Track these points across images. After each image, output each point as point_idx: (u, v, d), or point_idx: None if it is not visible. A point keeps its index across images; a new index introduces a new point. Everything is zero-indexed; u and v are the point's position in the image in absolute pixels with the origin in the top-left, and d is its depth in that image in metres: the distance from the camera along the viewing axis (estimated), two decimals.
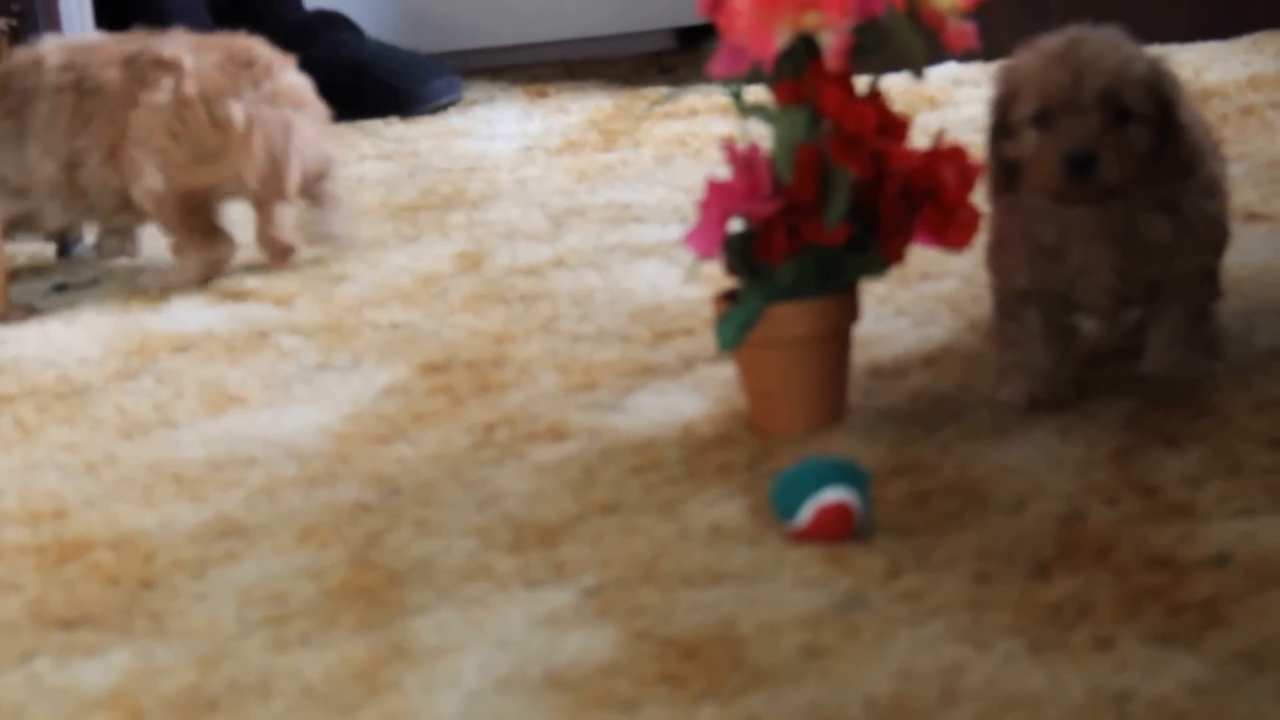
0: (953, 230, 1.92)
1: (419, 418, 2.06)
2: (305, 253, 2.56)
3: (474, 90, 3.29)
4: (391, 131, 3.10)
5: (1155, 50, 1.91)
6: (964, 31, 1.92)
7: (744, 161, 1.91)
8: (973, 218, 1.91)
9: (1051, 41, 1.88)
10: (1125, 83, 1.84)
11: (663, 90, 3.18)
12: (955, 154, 1.92)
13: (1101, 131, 1.83)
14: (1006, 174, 1.90)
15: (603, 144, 2.93)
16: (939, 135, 1.93)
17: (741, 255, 1.93)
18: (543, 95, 3.25)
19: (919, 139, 2.77)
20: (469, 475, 1.92)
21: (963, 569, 1.65)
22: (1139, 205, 1.88)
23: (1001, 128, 1.90)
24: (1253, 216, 2.33)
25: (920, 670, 1.50)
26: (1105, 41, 1.86)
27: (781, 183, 1.90)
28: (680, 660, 1.56)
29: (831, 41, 1.87)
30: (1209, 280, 1.94)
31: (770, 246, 1.91)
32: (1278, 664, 1.46)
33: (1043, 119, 1.85)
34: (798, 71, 1.91)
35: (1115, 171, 1.84)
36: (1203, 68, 2.87)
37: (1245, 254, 2.14)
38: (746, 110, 1.93)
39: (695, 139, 2.88)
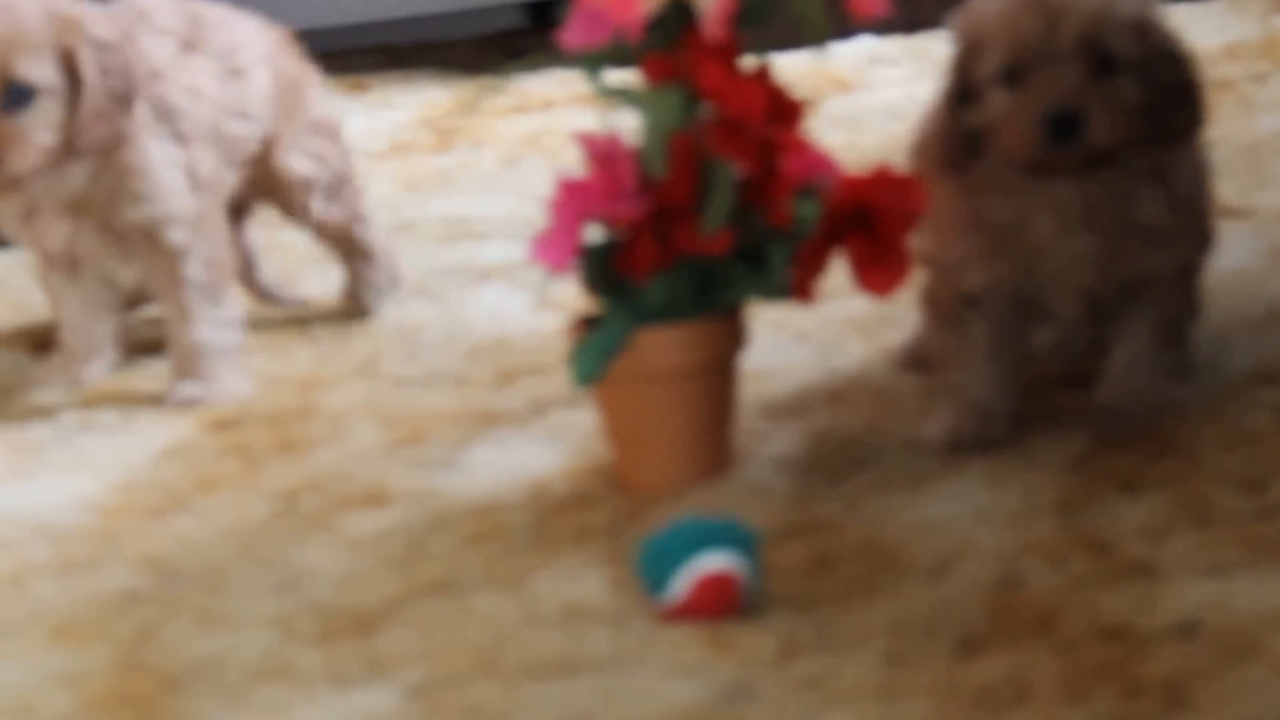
0: (878, 272, 1.93)
1: (205, 485, 2.06)
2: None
3: None
4: None
5: None
6: None
7: (603, 155, 1.93)
8: (903, 262, 1.93)
9: None
10: (1109, 25, 1.85)
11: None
12: (903, 183, 1.93)
13: (1085, 85, 1.85)
14: (964, 148, 1.91)
15: (437, 145, 2.95)
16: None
17: (601, 270, 1.94)
18: (362, 88, 3.26)
19: (826, 128, 2.83)
20: (265, 553, 1.92)
21: (873, 648, 1.66)
22: (1127, 177, 1.90)
23: (960, 90, 1.91)
24: (1229, 212, 2.37)
25: None
26: None
27: (650, 180, 1.92)
28: None
29: (711, 6, 1.89)
30: (1189, 287, 1.96)
31: (636, 258, 1.92)
32: None
33: (1013, 75, 1.87)
34: (670, 43, 1.92)
35: (1106, 132, 1.85)
36: None
37: (1219, 256, 2.17)
38: (607, 92, 1.94)
39: (550, 136, 2.90)
